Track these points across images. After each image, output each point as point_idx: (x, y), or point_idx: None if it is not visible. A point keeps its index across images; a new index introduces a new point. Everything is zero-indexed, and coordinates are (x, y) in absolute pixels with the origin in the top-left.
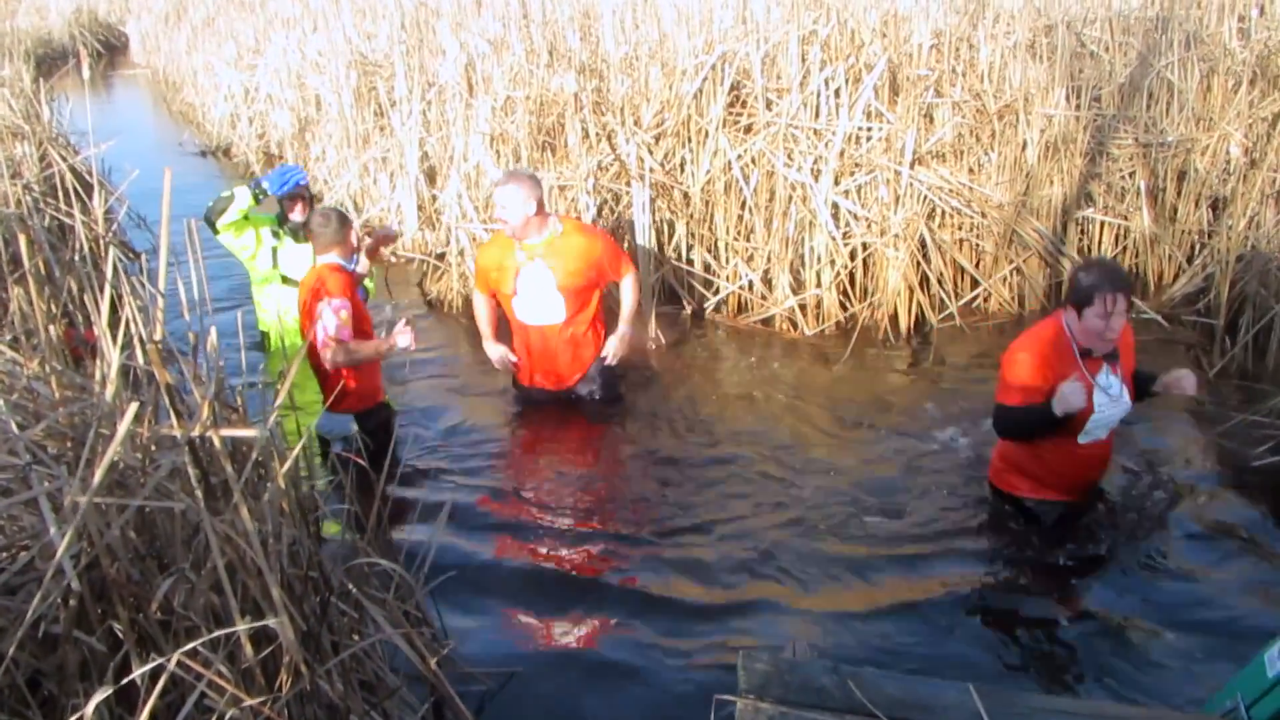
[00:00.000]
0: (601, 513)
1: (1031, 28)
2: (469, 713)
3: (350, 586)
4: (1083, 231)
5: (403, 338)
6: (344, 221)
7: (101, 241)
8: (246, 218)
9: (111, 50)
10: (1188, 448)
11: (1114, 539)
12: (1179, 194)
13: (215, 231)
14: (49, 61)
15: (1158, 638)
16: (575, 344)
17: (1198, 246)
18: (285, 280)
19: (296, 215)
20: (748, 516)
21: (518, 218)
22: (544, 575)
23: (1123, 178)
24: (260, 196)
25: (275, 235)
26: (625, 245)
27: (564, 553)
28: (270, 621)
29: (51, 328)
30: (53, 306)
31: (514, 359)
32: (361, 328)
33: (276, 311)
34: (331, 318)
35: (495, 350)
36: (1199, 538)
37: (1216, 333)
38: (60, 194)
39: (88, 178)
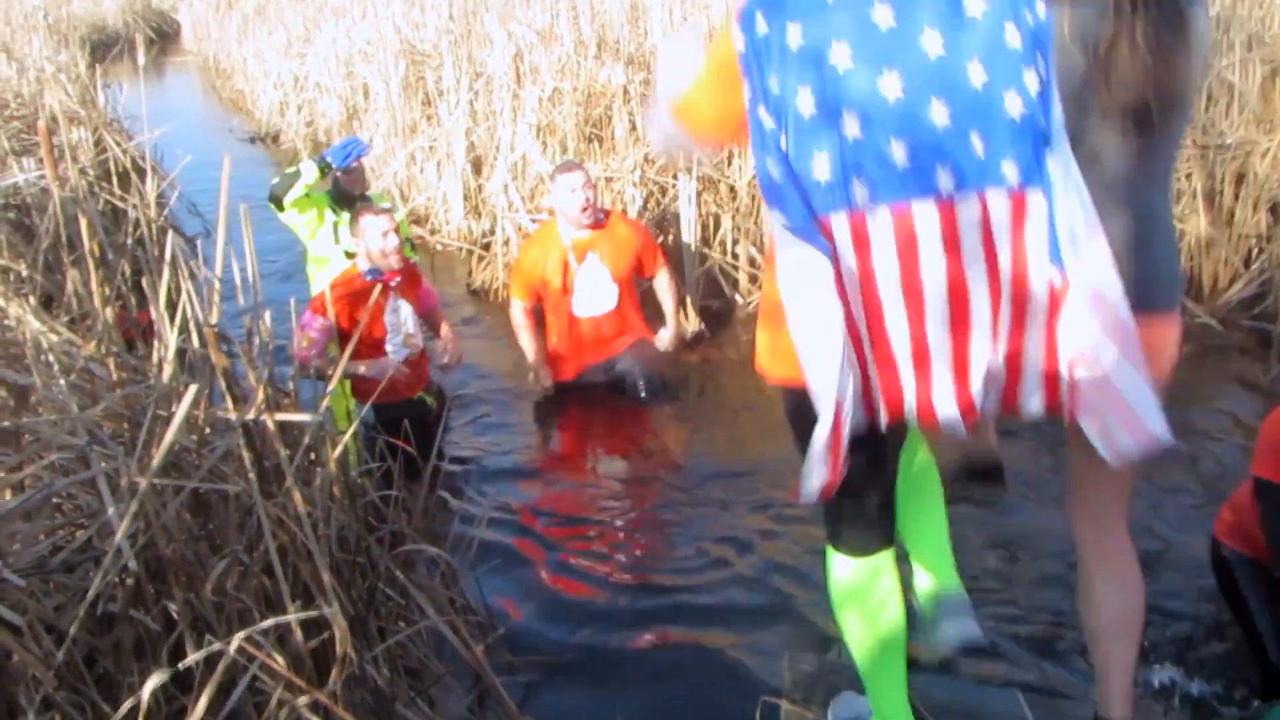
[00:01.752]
0: (648, 510)
1: None
2: (513, 703)
3: (397, 572)
4: None
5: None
6: (350, 221)
7: (153, 225)
8: (309, 194)
9: (163, 37)
10: (1242, 459)
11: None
12: (1237, 197)
13: (280, 209)
14: (103, 47)
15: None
16: (624, 320)
17: (1255, 251)
18: (348, 254)
19: (351, 185)
20: (795, 519)
21: (591, 198)
22: (589, 570)
23: (1179, 180)
24: (325, 170)
25: (334, 211)
26: (670, 239)
27: (609, 549)
28: (325, 611)
29: (108, 310)
30: (107, 289)
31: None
32: (369, 338)
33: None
34: (299, 335)
35: (547, 379)
36: None
37: (1274, 338)
38: (114, 178)
39: (141, 162)
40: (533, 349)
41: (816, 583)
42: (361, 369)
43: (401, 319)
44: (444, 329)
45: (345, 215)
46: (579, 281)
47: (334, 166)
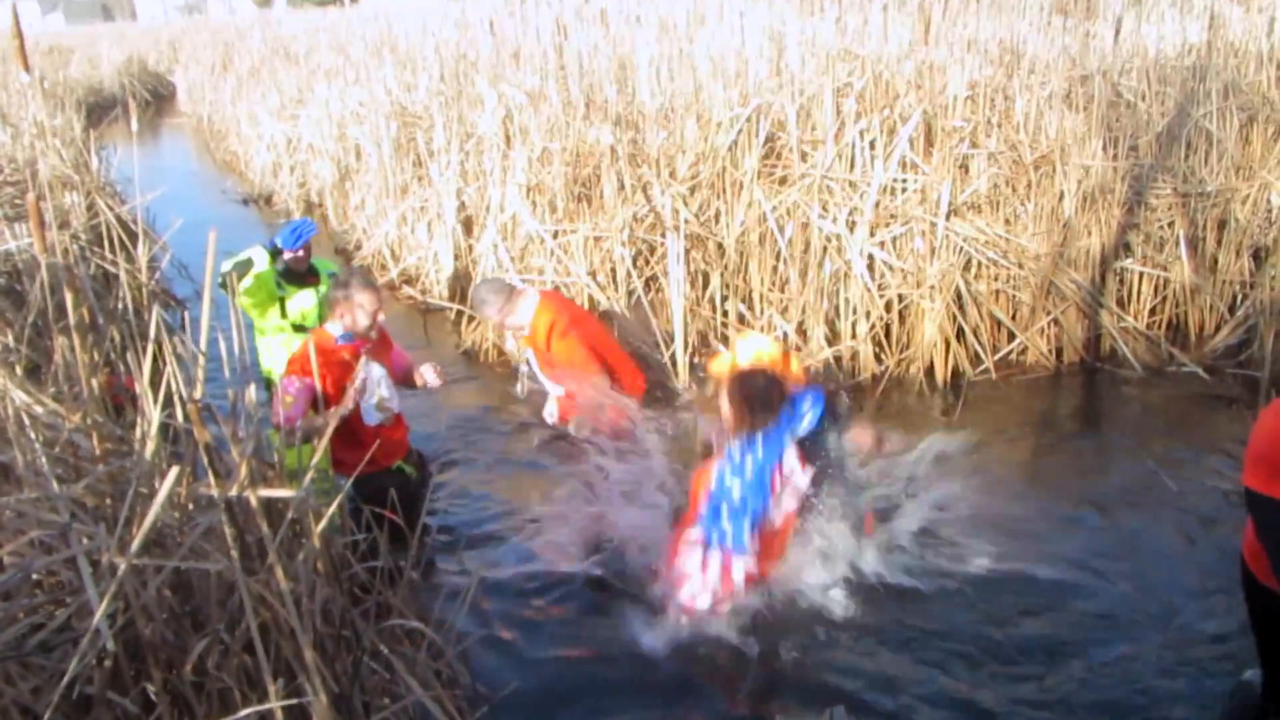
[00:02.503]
0: (638, 574)
1: (1067, 78)
2: None
3: (382, 646)
4: (1121, 282)
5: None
6: (335, 286)
7: (145, 291)
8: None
9: (159, 99)
10: (1235, 505)
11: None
12: (1219, 244)
13: (233, 295)
14: (99, 109)
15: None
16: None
17: (1240, 297)
18: (296, 328)
19: (299, 266)
20: (784, 575)
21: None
22: (578, 640)
23: (1161, 228)
24: (275, 255)
25: (280, 285)
26: (660, 295)
27: (598, 619)
28: (305, 699)
29: (94, 380)
30: (95, 356)
31: None
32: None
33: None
34: (278, 398)
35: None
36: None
37: (1261, 385)
38: (106, 243)
39: (133, 226)
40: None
41: (809, 648)
42: (319, 420)
43: (375, 381)
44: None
45: (291, 290)
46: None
47: (284, 250)
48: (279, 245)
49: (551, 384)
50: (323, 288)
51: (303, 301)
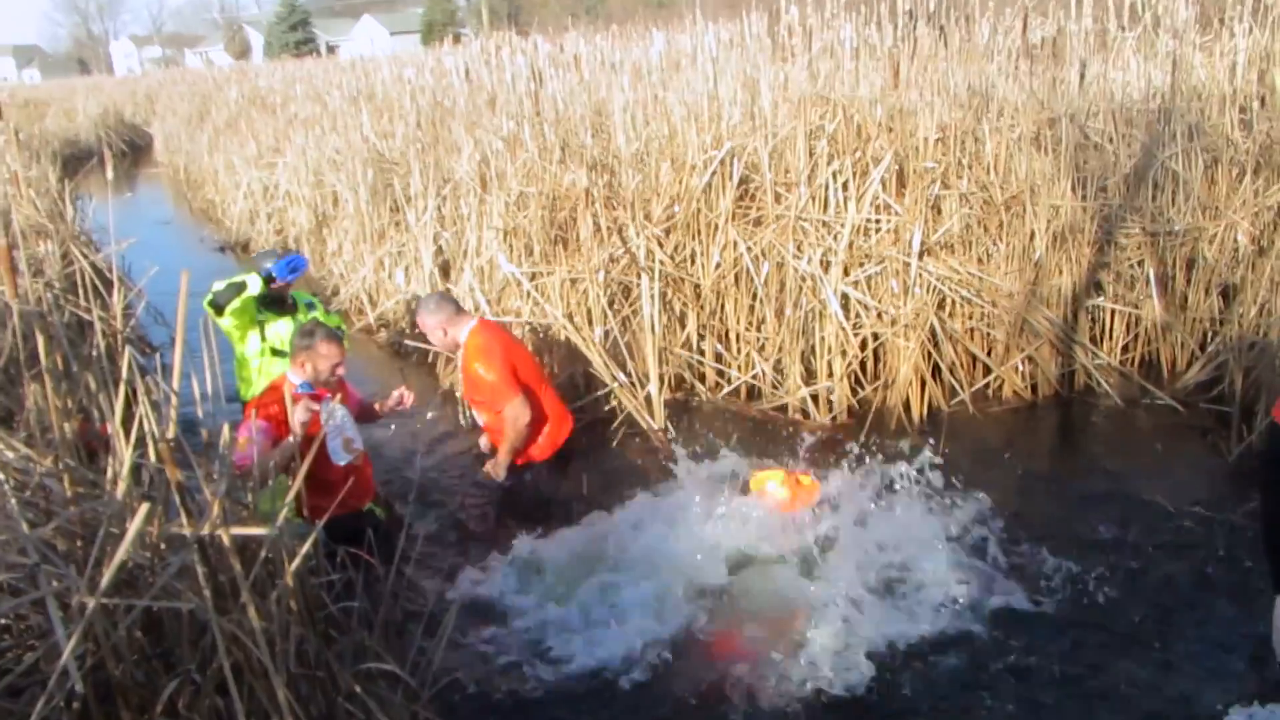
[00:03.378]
0: (618, 612)
1: (1035, 121)
2: None
3: (357, 688)
4: (1094, 320)
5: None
6: (301, 335)
7: (119, 337)
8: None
9: (135, 150)
10: (1212, 534)
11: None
12: (1189, 282)
13: (219, 315)
14: (75, 160)
15: None
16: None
17: (1210, 334)
18: (274, 352)
19: (278, 291)
20: (769, 607)
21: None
22: (558, 681)
23: (1131, 266)
24: (269, 282)
25: (259, 310)
26: (637, 336)
27: (572, 651)
28: None
29: (66, 425)
30: (69, 402)
31: None
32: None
33: (266, 385)
34: (236, 441)
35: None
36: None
37: (1233, 420)
38: (81, 290)
39: (108, 274)
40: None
41: (801, 681)
42: (276, 456)
43: (339, 423)
44: (379, 404)
45: (270, 316)
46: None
47: (277, 279)
48: (274, 275)
49: (476, 412)
50: (300, 317)
51: (280, 329)
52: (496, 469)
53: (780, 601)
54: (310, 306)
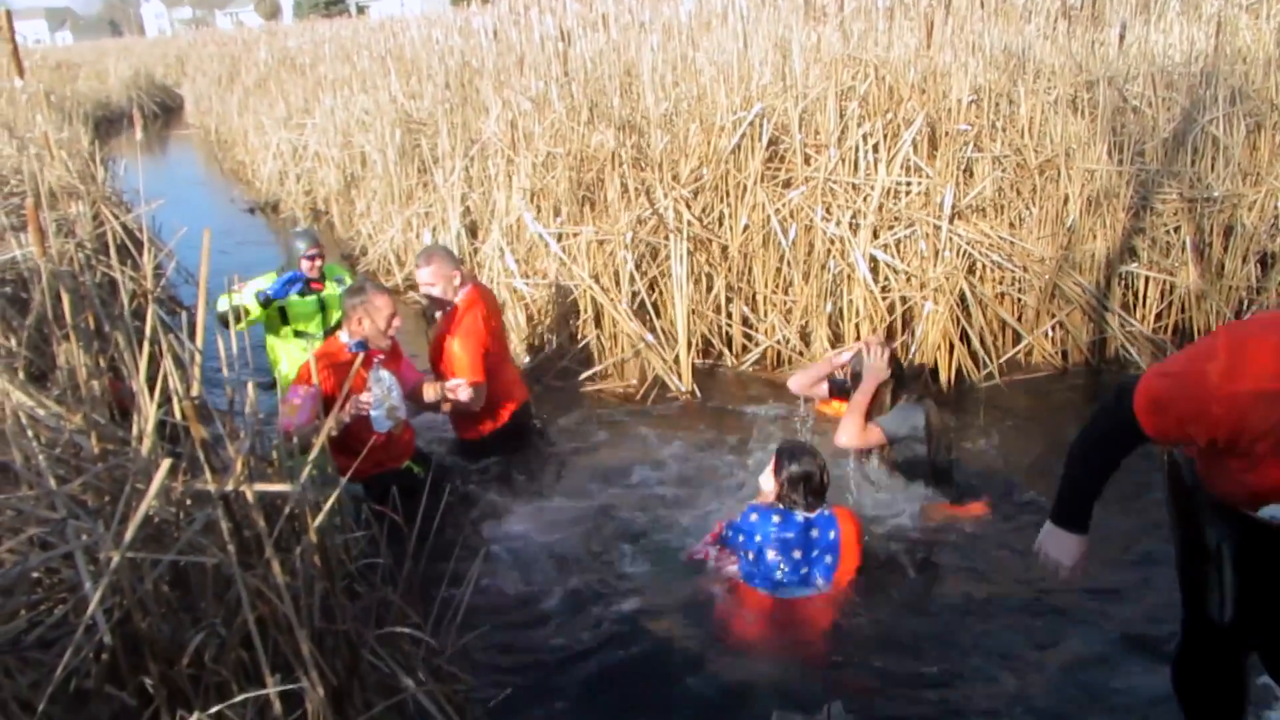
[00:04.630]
0: (635, 572)
1: (1073, 83)
2: None
3: (379, 644)
4: (1127, 286)
5: (363, 396)
6: (351, 293)
7: (148, 297)
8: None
9: (167, 111)
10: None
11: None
12: (1226, 249)
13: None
14: (107, 123)
15: None
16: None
17: (1245, 303)
18: (296, 334)
19: (310, 273)
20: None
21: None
22: (574, 635)
23: (1168, 233)
24: (266, 304)
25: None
26: (664, 297)
27: (595, 609)
28: (301, 685)
29: (96, 383)
30: (100, 361)
31: None
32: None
33: (288, 365)
34: (283, 407)
35: None
36: None
37: None
38: (111, 250)
39: (138, 235)
40: None
41: (804, 642)
42: (333, 421)
43: (386, 389)
44: (433, 387)
45: (292, 295)
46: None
47: (274, 299)
48: (270, 296)
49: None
50: (326, 292)
51: (304, 309)
52: (432, 389)
53: None
54: (340, 281)
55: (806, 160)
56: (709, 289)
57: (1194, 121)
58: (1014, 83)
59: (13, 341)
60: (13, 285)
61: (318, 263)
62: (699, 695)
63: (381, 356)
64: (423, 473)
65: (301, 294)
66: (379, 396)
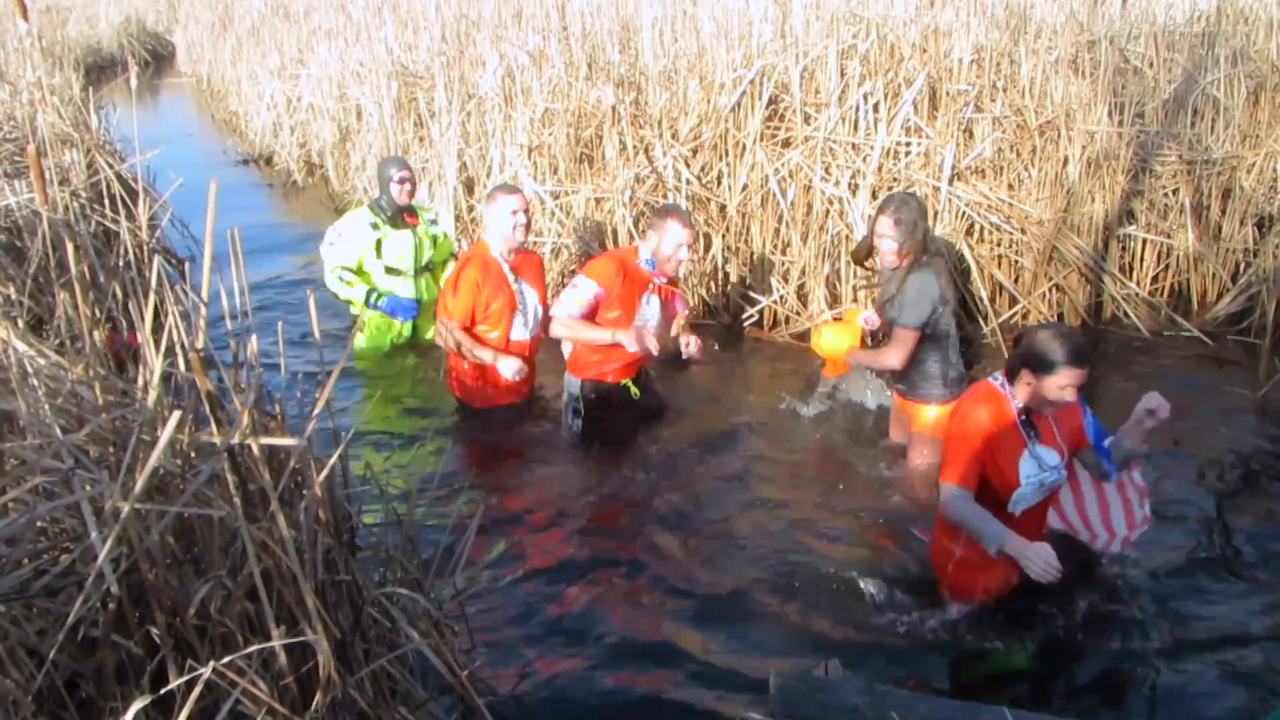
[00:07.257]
0: (632, 530)
1: (1074, 43)
2: None
3: (382, 598)
4: (1124, 249)
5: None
6: (657, 210)
7: (145, 248)
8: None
9: (158, 59)
10: (1233, 469)
11: (1154, 565)
12: (1224, 212)
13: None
14: (98, 69)
15: (1192, 669)
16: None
17: (1242, 265)
18: (389, 270)
19: (401, 198)
20: (781, 535)
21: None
22: (572, 590)
23: (1166, 195)
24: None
25: (375, 227)
26: None
27: (594, 569)
28: (307, 638)
29: (96, 333)
30: (97, 311)
31: None
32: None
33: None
34: (569, 291)
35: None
36: (1241, 562)
37: (1262, 353)
38: (106, 200)
39: (133, 184)
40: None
41: (802, 601)
42: (608, 336)
43: (644, 317)
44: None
45: (387, 227)
46: (646, 312)
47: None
48: (378, 306)
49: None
50: (421, 232)
51: (400, 244)
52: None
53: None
54: (433, 223)
55: (806, 120)
56: (707, 249)
57: (1195, 83)
58: (1015, 42)
59: (12, 290)
60: (6, 233)
61: (407, 186)
62: (696, 657)
63: (662, 280)
64: (638, 394)
65: (395, 225)
66: (646, 316)
